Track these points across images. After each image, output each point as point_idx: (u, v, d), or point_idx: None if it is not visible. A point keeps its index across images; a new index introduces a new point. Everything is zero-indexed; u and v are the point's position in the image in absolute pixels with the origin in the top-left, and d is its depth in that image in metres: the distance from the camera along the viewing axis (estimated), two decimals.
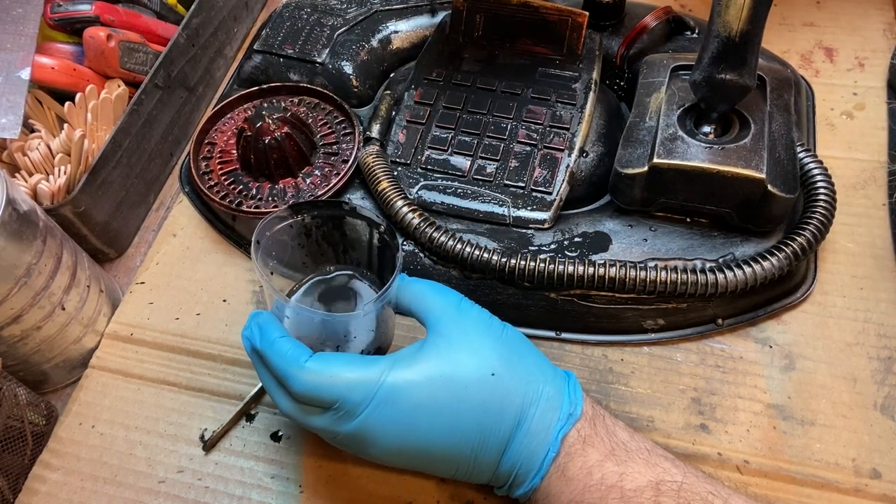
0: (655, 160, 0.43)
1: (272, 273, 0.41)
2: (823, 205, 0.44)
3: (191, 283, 0.52)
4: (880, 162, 0.53)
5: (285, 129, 0.48)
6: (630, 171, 0.44)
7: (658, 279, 0.42)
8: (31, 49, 0.51)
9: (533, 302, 0.46)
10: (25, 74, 0.50)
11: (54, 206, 0.47)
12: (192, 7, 0.59)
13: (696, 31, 0.55)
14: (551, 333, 0.47)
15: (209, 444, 0.44)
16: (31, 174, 0.50)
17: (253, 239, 0.38)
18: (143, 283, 0.52)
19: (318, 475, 0.43)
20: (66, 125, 0.51)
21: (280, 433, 0.45)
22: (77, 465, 0.44)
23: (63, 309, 0.44)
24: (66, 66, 0.53)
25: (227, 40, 0.65)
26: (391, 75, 0.58)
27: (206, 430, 0.45)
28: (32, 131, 0.52)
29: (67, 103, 0.51)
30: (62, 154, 0.50)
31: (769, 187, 0.41)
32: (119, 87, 0.55)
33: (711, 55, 0.40)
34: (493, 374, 0.35)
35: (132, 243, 0.55)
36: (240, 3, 0.66)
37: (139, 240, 0.56)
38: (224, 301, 0.51)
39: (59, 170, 0.49)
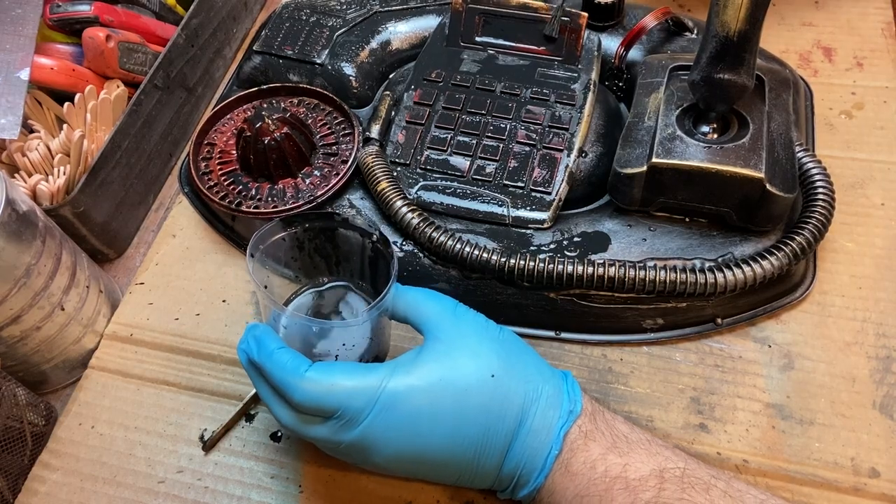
0: (654, 160, 0.43)
1: (266, 287, 0.41)
2: (822, 204, 0.44)
3: (190, 284, 0.52)
4: (879, 161, 0.53)
5: (284, 129, 0.48)
6: (629, 170, 0.44)
7: (657, 279, 0.42)
8: (31, 49, 0.51)
9: (532, 302, 0.46)
10: (25, 75, 0.50)
11: (53, 206, 0.48)
12: (191, 7, 0.59)
13: (695, 31, 0.55)
14: (551, 333, 0.47)
15: (209, 445, 0.44)
16: (30, 175, 0.50)
17: (247, 252, 0.38)
18: (142, 283, 0.52)
19: (318, 475, 0.43)
20: (65, 126, 0.51)
21: (280, 433, 0.45)
22: (76, 466, 0.44)
23: (62, 309, 0.44)
24: (65, 66, 0.53)
25: (226, 41, 0.65)
26: (390, 76, 0.58)
27: (205, 430, 0.45)
28: (32, 132, 0.52)
29: (67, 104, 0.52)
30: (61, 154, 0.50)
31: (768, 186, 0.41)
32: (118, 87, 0.55)
33: (709, 55, 0.40)
34: (492, 376, 0.35)
35: (131, 244, 0.55)
36: (239, 3, 0.66)
37: (138, 240, 0.56)
38: (223, 301, 0.51)
39: (59, 170, 0.49)
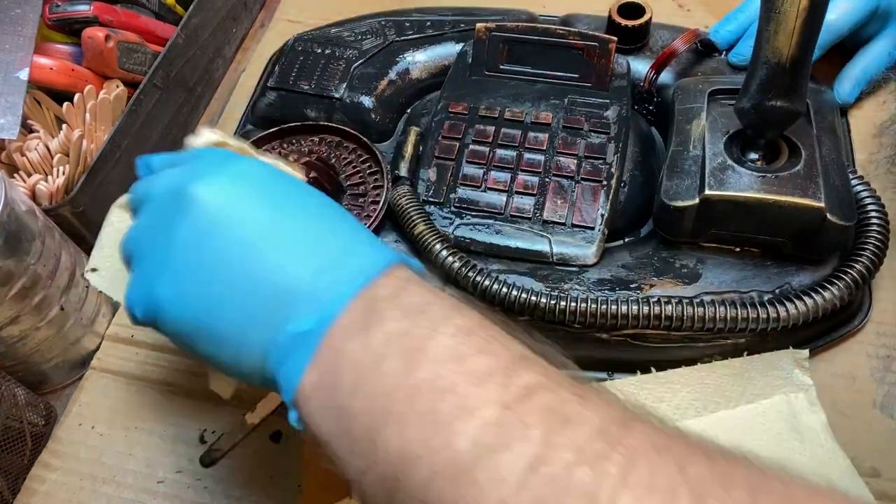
0: (707, 192, 0.41)
1: None
2: (877, 228, 0.42)
3: None
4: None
5: (312, 174, 0.46)
6: (679, 203, 0.42)
7: (717, 315, 0.40)
8: (30, 49, 0.51)
9: (583, 343, 0.43)
10: (24, 75, 0.50)
11: (53, 206, 0.47)
12: (191, 7, 0.59)
13: (724, 52, 0.53)
14: (603, 375, 0.45)
15: (212, 462, 0.44)
16: (29, 174, 0.50)
17: None
18: None
19: (318, 475, 0.43)
20: (64, 125, 0.51)
21: (280, 433, 0.45)
22: (76, 466, 0.44)
23: (62, 309, 0.44)
24: (64, 66, 0.53)
25: (225, 40, 0.65)
26: (411, 108, 0.56)
27: (204, 430, 0.45)
28: (31, 132, 0.52)
29: (66, 104, 0.51)
30: (61, 154, 0.50)
31: (828, 216, 0.39)
32: (117, 87, 0.55)
33: (760, 82, 0.38)
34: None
35: None
36: (238, 3, 0.66)
37: None
38: None
39: (58, 170, 0.49)
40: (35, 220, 0.42)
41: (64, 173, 0.49)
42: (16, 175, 0.50)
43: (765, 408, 0.41)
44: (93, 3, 0.55)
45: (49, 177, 0.50)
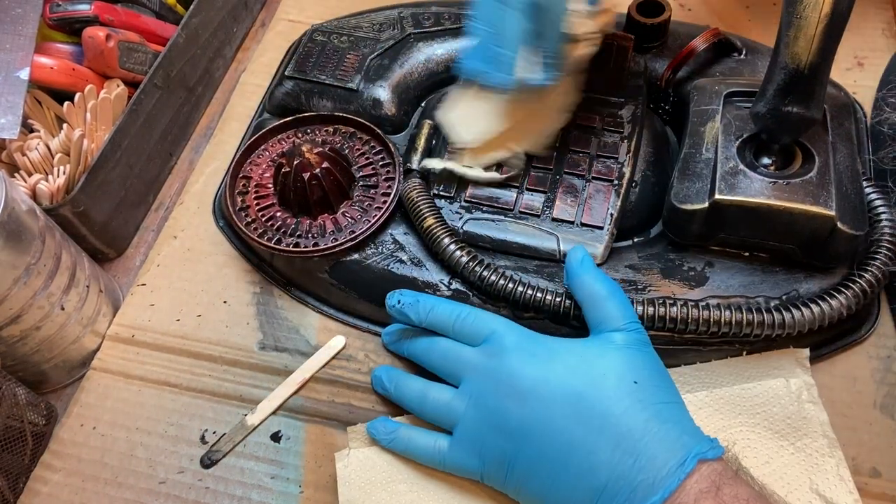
0: (717, 196, 0.41)
1: None
2: (889, 237, 0.42)
3: (191, 285, 0.52)
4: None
5: (324, 164, 0.46)
6: (688, 206, 0.42)
7: (722, 319, 0.40)
8: (31, 49, 0.51)
9: None
10: (24, 74, 0.50)
11: (53, 206, 0.47)
12: (191, 7, 0.59)
13: (743, 52, 0.53)
14: None
15: (213, 462, 0.44)
16: (30, 174, 0.50)
17: None
18: (143, 284, 0.52)
19: (318, 475, 0.43)
20: (65, 125, 0.51)
21: (280, 433, 0.45)
22: (78, 467, 0.44)
23: (62, 309, 0.44)
24: (65, 65, 0.53)
25: (226, 40, 0.65)
26: (426, 101, 0.56)
27: (206, 430, 0.45)
28: (31, 131, 0.52)
29: (66, 103, 0.51)
30: (61, 154, 0.50)
31: (839, 225, 0.39)
32: (118, 86, 0.55)
33: (777, 87, 0.38)
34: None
35: (131, 243, 0.55)
36: (239, 2, 0.66)
37: (138, 240, 0.56)
38: (224, 302, 0.50)
39: (59, 170, 0.49)
40: (35, 220, 0.42)
41: (64, 173, 0.49)
42: (16, 175, 0.50)
43: (764, 388, 0.42)
44: (93, 2, 0.55)
45: (49, 176, 0.49)
